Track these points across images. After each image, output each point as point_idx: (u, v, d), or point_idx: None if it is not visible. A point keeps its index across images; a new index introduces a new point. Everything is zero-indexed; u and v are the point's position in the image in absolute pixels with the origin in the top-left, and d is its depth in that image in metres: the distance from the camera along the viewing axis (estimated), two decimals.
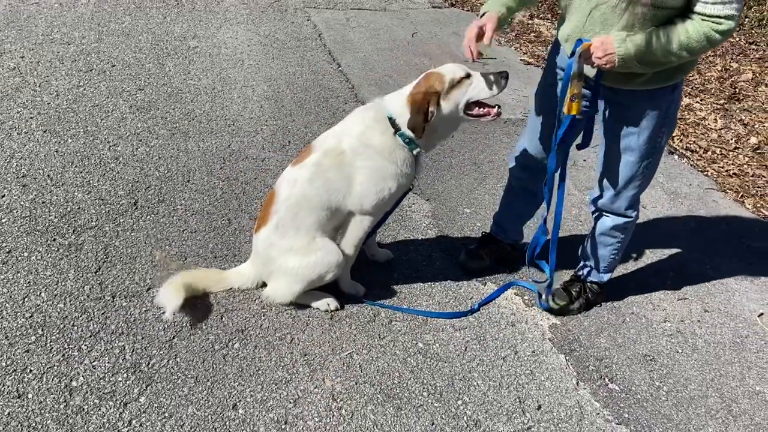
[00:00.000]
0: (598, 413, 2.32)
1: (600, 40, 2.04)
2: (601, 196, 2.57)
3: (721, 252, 3.40)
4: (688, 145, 4.59)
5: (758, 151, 4.56)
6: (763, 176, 4.23)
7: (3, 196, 3.05)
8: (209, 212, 3.14)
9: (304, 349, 2.41)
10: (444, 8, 7.15)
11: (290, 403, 2.18)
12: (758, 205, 3.90)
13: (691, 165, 4.35)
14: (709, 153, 4.51)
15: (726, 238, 3.55)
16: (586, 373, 2.50)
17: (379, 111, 2.41)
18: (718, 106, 5.20)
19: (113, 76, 4.44)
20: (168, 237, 2.92)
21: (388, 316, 2.63)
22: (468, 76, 2.35)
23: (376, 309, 2.66)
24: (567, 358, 2.56)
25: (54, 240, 2.80)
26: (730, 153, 4.51)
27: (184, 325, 2.43)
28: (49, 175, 3.26)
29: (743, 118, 5.03)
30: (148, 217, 3.04)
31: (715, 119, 4.96)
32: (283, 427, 2.10)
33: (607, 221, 2.61)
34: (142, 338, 2.35)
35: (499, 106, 2.37)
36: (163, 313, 2.37)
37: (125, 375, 2.19)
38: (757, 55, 6.31)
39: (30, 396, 2.08)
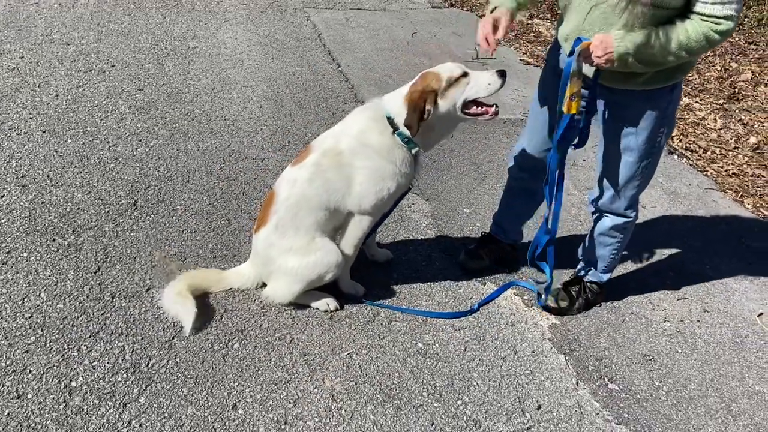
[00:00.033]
0: (598, 413, 2.32)
1: (599, 38, 2.04)
2: (600, 196, 2.57)
3: (720, 252, 3.40)
4: (687, 144, 4.59)
5: (758, 150, 4.56)
6: (763, 176, 4.23)
7: (2, 197, 3.05)
8: (209, 212, 3.14)
9: (304, 349, 2.42)
10: (443, 8, 7.15)
11: (290, 403, 2.18)
12: (757, 205, 3.90)
13: (690, 165, 4.35)
14: (709, 153, 4.51)
15: (725, 237, 3.55)
16: (585, 373, 2.50)
17: (377, 111, 2.41)
18: (718, 106, 5.20)
19: (113, 77, 4.44)
20: (167, 237, 2.92)
21: (387, 316, 2.63)
22: (465, 74, 2.35)
23: (376, 309, 2.66)
24: (567, 358, 2.56)
25: (53, 240, 2.80)
26: (730, 153, 4.51)
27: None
28: (48, 176, 3.26)
29: (743, 117, 5.03)
30: (148, 217, 3.04)
31: (715, 119, 4.97)
32: (282, 427, 2.10)
33: (607, 221, 2.61)
34: (142, 338, 2.35)
35: (496, 105, 2.37)
36: (182, 328, 2.39)
37: (125, 375, 2.19)
38: (756, 55, 6.31)
39: (29, 396, 2.08)
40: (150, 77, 4.50)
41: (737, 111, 5.15)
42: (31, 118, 3.78)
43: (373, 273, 2.86)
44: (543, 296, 2.73)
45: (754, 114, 5.09)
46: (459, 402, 2.28)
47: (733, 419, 2.38)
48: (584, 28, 2.14)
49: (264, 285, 2.61)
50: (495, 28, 2.24)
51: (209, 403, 2.14)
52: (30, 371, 2.17)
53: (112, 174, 3.34)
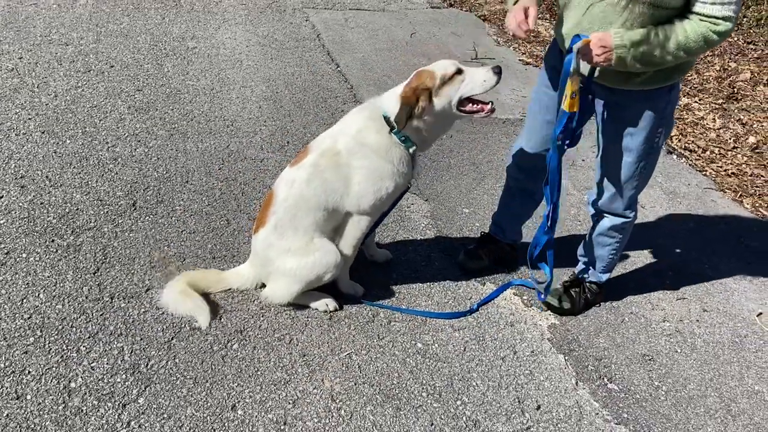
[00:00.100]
0: (597, 413, 2.32)
1: (598, 36, 2.04)
2: (599, 197, 2.57)
3: (719, 251, 3.40)
4: (686, 144, 4.59)
5: (757, 150, 4.56)
6: (762, 176, 4.23)
7: (1, 197, 3.05)
8: (208, 213, 3.14)
9: (303, 349, 2.41)
10: (443, 8, 7.15)
11: (289, 403, 2.18)
12: (757, 205, 3.91)
13: (689, 165, 4.35)
14: (708, 152, 4.51)
15: (725, 237, 3.55)
16: (585, 373, 2.50)
17: (374, 110, 2.42)
18: (717, 106, 5.21)
19: (111, 77, 4.44)
20: (167, 238, 2.92)
21: (387, 316, 2.63)
22: (460, 72, 2.35)
23: (375, 309, 2.66)
24: (566, 358, 2.56)
25: (52, 241, 2.80)
26: (729, 153, 4.52)
27: (183, 326, 2.43)
28: (47, 176, 3.26)
29: (742, 117, 5.03)
30: (147, 217, 3.04)
31: (714, 119, 4.97)
32: (282, 427, 2.09)
33: (606, 222, 2.61)
34: (141, 339, 2.35)
35: (492, 102, 2.37)
36: (197, 323, 2.43)
37: (124, 376, 2.19)
38: (755, 55, 6.31)
39: (29, 397, 2.08)
40: (149, 78, 4.49)
41: (736, 111, 5.15)
42: (29, 118, 3.78)
43: (372, 273, 2.86)
44: (543, 294, 2.72)
45: (753, 114, 5.10)
46: (458, 402, 2.28)
47: (732, 419, 2.38)
48: (583, 27, 2.14)
49: (263, 285, 2.61)
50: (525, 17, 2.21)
51: (208, 404, 2.14)
52: (29, 372, 2.16)
53: (111, 174, 3.34)
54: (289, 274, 2.46)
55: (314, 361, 2.36)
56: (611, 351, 2.63)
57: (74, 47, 4.83)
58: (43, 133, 3.65)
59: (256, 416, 2.12)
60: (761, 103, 5.31)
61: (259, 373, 2.29)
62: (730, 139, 4.70)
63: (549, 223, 2.52)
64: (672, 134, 4.61)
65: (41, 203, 3.04)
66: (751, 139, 4.68)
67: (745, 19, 7.10)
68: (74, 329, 2.36)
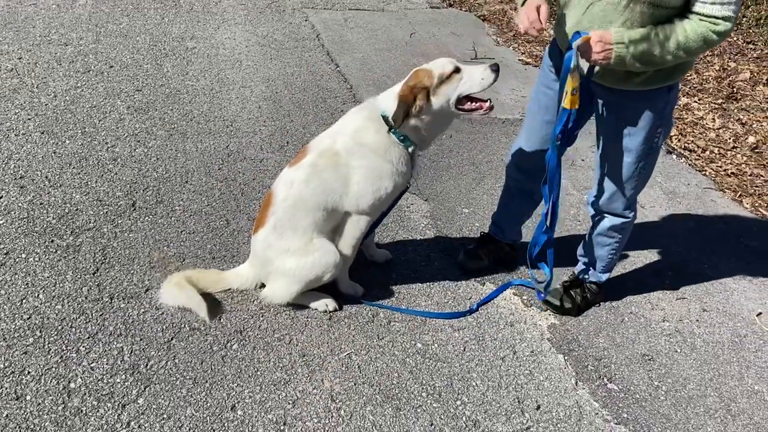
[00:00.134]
0: (597, 413, 2.32)
1: (598, 34, 2.04)
2: (598, 197, 2.57)
3: (719, 251, 3.40)
4: (686, 144, 4.59)
5: (756, 150, 4.56)
6: (761, 175, 4.23)
7: (1, 198, 3.05)
8: (207, 213, 3.14)
9: (303, 349, 2.41)
10: (442, 8, 7.15)
11: (289, 404, 2.18)
12: (756, 205, 3.91)
13: (689, 164, 4.35)
14: (708, 152, 4.51)
15: (724, 237, 3.55)
16: (584, 373, 2.50)
17: (372, 110, 2.42)
18: (716, 106, 5.21)
19: (111, 77, 4.44)
20: (166, 238, 2.92)
21: (386, 316, 2.63)
22: (458, 70, 2.35)
23: (375, 309, 2.66)
24: (566, 358, 2.56)
25: (52, 241, 2.80)
26: (728, 152, 4.52)
27: (183, 326, 2.43)
28: (46, 177, 3.25)
29: (741, 117, 5.03)
30: (147, 218, 3.04)
31: (713, 119, 4.97)
32: (281, 428, 2.09)
33: (605, 222, 2.61)
34: (141, 339, 2.35)
35: (490, 100, 2.37)
36: (199, 316, 2.44)
37: (123, 376, 2.19)
38: (754, 55, 6.31)
39: (28, 398, 2.08)
40: (148, 78, 4.49)
41: (736, 110, 5.15)
42: (29, 119, 3.78)
43: (372, 273, 2.86)
44: (543, 293, 2.72)
45: (752, 113, 5.10)
46: (458, 402, 2.28)
47: (732, 419, 2.38)
48: (583, 26, 2.14)
49: (263, 286, 2.61)
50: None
51: (208, 404, 2.14)
52: (28, 372, 2.16)
53: (110, 175, 3.34)
54: (289, 274, 2.46)
55: (314, 362, 2.36)
56: (611, 351, 2.63)
57: (74, 47, 4.83)
58: (42, 133, 3.64)
59: (255, 416, 2.12)
60: (761, 102, 5.31)
61: (258, 373, 2.28)
62: (729, 138, 4.70)
63: (548, 222, 2.52)
64: (671, 134, 4.61)
65: (41, 203, 3.04)
66: (751, 139, 4.68)
67: (744, 19, 7.10)
68: (74, 330, 2.36)
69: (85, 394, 2.11)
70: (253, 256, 2.60)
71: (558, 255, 2.62)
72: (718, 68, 5.93)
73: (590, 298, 2.82)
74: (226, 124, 4.01)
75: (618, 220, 2.58)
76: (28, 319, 2.38)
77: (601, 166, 2.51)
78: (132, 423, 2.03)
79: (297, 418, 2.13)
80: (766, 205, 3.92)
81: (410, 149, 2.42)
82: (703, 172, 4.26)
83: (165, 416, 2.07)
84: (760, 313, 2.96)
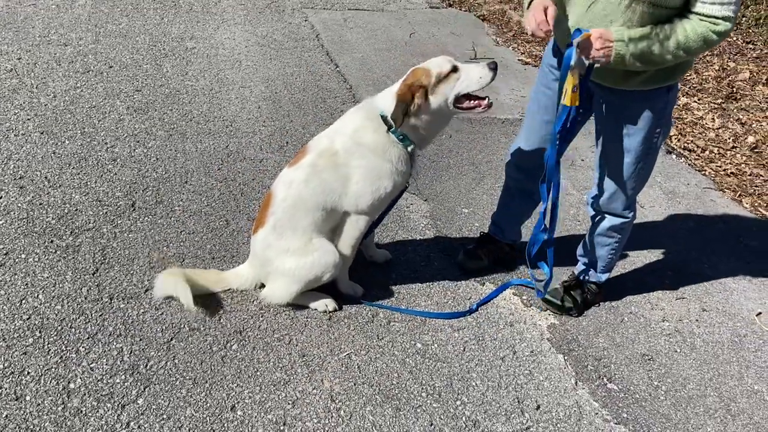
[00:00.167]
0: (597, 413, 2.32)
1: (599, 32, 2.04)
2: (598, 197, 2.57)
3: (719, 251, 3.40)
4: (685, 144, 4.59)
5: (756, 150, 4.56)
6: (761, 175, 4.23)
7: (0, 198, 3.05)
8: (207, 213, 3.14)
9: (303, 350, 2.41)
10: (441, 8, 7.15)
11: (289, 404, 2.18)
12: (756, 204, 3.91)
13: (688, 164, 4.35)
14: (707, 152, 4.51)
15: (724, 237, 3.55)
16: (584, 372, 2.50)
17: (370, 109, 2.42)
18: (716, 106, 5.21)
19: (110, 78, 4.43)
20: (166, 238, 2.92)
21: (386, 316, 2.63)
22: (455, 69, 2.35)
23: (375, 310, 2.66)
24: (565, 357, 2.56)
25: (51, 242, 2.80)
26: (728, 152, 4.52)
27: (182, 326, 2.43)
28: (46, 177, 3.25)
29: (741, 117, 5.03)
30: (146, 218, 3.04)
31: (713, 118, 4.97)
32: (281, 428, 2.09)
33: (605, 222, 2.61)
34: (140, 340, 2.35)
35: (488, 98, 2.37)
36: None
37: (123, 377, 2.19)
38: (754, 55, 6.31)
39: (28, 398, 2.08)
40: (148, 78, 4.49)
41: (735, 110, 5.15)
42: (28, 119, 3.78)
43: (371, 273, 2.86)
44: (543, 291, 2.72)
45: (752, 113, 5.10)
46: (458, 402, 2.28)
47: (732, 418, 2.38)
48: (584, 25, 2.14)
49: (262, 286, 2.61)
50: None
51: (208, 405, 2.14)
52: (28, 373, 2.16)
53: (110, 175, 3.34)
54: (288, 274, 2.46)
55: (314, 362, 2.36)
56: (611, 351, 2.63)
57: (73, 48, 4.83)
58: (42, 133, 3.64)
59: (255, 417, 2.12)
60: (760, 102, 5.31)
61: (258, 373, 2.28)
62: (729, 138, 4.70)
63: (546, 221, 2.52)
64: (671, 134, 4.61)
65: (40, 204, 3.04)
66: (750, 139, 4.68)
67: (744, 19, 7.10)
68: (73, 330, 2.36)
69: (84, 394, 2.11)
70: (252, 256, 2.60)
71: (558, 255, 2.62)
72: (717, 68, 5.93)
73: (590, 298, 2.81)
74: (225, 125, 4.01)
75: (618, 220, 2.58)
76: (27, 319, 2.38)
77: (600, 166, 2.51)
78: (132, 423, 2.03)
79: (297, 419, 2.13)
80: (765, 204, 3.92)
81: (409, 148, 2.42)
82: (703, 172, 4.26)
83: (165, 416, 2.07)
84: (760, 313, 2.96)
